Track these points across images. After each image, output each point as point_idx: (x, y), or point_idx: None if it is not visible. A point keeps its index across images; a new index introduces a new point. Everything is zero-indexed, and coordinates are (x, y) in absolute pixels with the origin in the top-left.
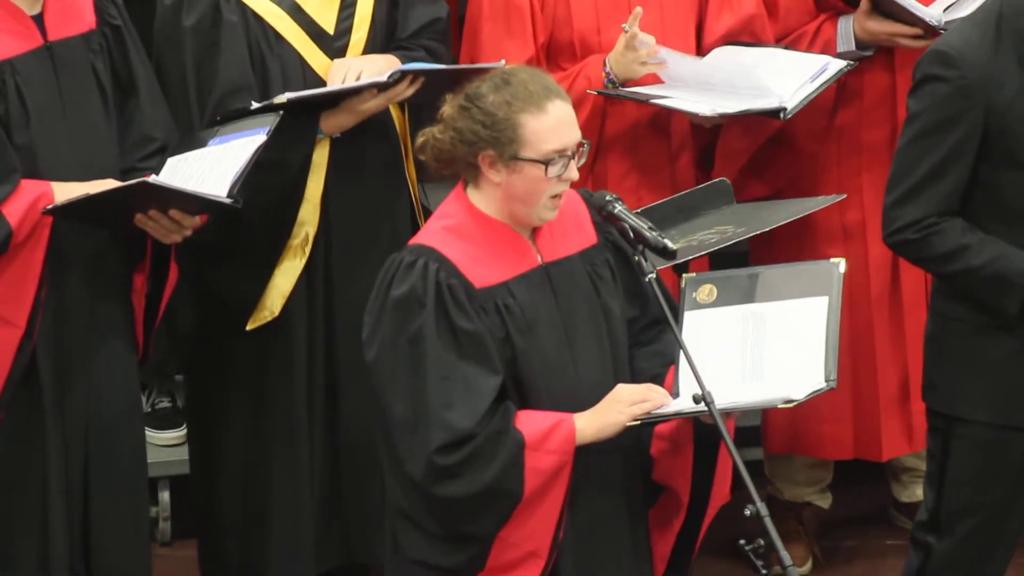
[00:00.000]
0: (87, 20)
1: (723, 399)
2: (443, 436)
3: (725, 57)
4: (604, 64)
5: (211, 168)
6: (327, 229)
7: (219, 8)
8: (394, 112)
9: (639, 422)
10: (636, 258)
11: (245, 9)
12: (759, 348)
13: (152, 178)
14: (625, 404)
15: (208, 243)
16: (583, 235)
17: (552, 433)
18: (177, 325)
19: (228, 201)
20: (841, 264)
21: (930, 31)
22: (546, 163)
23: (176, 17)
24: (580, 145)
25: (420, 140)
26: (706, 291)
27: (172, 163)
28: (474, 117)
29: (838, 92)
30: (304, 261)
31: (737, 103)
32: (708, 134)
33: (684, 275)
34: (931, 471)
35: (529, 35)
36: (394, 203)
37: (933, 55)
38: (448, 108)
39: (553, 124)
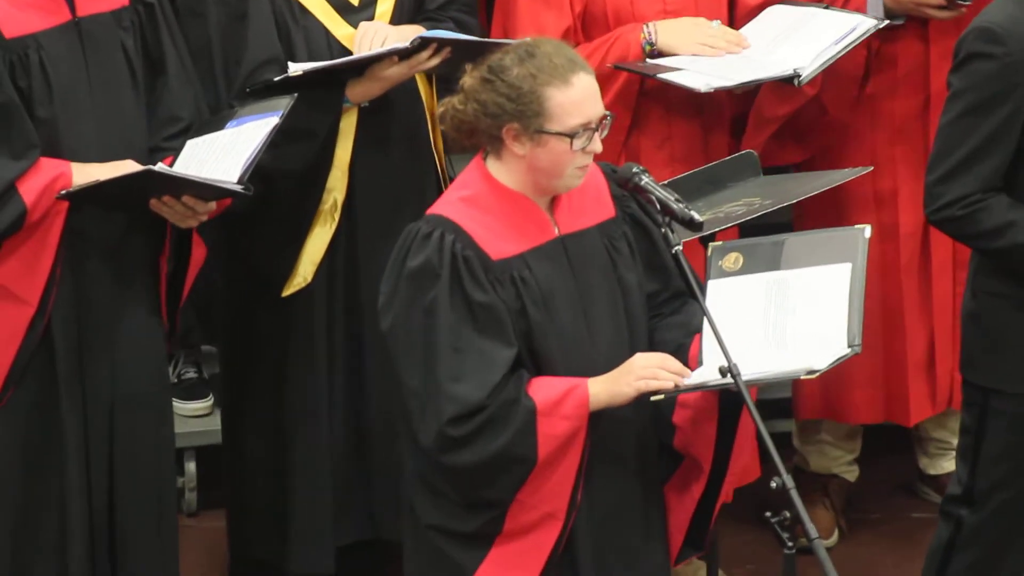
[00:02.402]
0: None
1: (746, 370)
2: (454, 408)
3: (763, 23)
4: (644, 30)
5: (224, 153)
6: (352, 197)
7: None
8: (421, 83)
9: (663, 396)
10: (663, 230)
11: None
12: (782, 315)
13: (159, 167)
14: (634, 377)
15: (239, 212)
16: (602, 208)
17: (565, 399)
18: (209, 298)
19: (239, 188)
20: (866, 230)
21: (953, 3)
22: (571, 136)
23: None
24: (603, 118)
25: (440, 110)
26: (732, 259)
27: (191, 145)
28: (498, 90)
29: (870, 61)
30: (334, 227)
31: (743, 74)
32: (742, 103)
33: (710, 243)
34: (965, 445)
35: (566, 5)
36: (420, 174)
37: (977, 32)
38: (469, 79)
39: (578, 97)
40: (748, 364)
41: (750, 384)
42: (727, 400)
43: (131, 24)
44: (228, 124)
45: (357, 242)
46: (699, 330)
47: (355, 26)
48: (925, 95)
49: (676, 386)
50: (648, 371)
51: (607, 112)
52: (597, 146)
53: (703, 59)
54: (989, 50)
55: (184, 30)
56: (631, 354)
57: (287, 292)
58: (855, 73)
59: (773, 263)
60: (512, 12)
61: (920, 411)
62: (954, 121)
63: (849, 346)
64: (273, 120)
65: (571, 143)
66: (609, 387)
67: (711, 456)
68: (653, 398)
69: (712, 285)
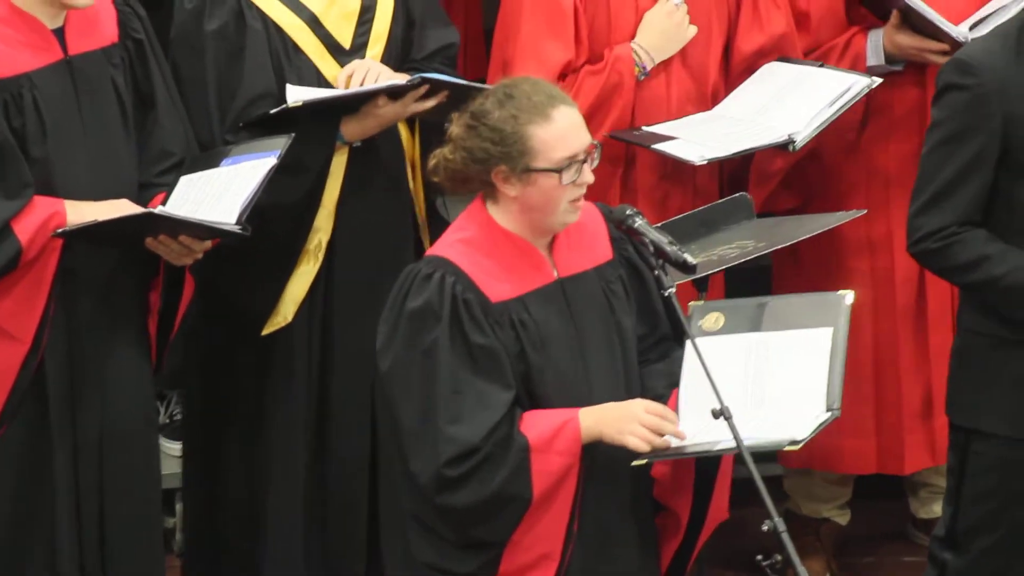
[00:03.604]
0: (109, 34)
1: (726, 435)
2: (451, 449)
3: (758, 83)
4: (636, 60)
5: (221, 193)
6: (333, 238)
7: (242, 15)
8: (403, 130)
9: (645, 460)
10: (656, 272)
11: (266, 18)
12: (760, 377)
13: (159, 209)
14: (630, 432)
15: (224, 248)
16: (599, 250)
17: (559, 435)
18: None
19: (237, 229)
20: (848, 296)
21: (956, 47)
22: (559, 171)
23: (197, 22)
24: (592, 148)
25: (432, 162)
26: (712, 319)
27: (184, 183)
28: (482, 135)
29: (867, 105)
30: (317, 267)
31: (738, 143)
32: (736, 162)
33: (691, 303)
34: (949, 486)
35: (570, 37)
36: (399, 220)
37: (953, 64)
38: (456, 128)
39: (561, 131)
40: (727, 429)
41: (730, 452)
42: (703, 458)
43: (121, 61)
44: (223, 162)
45: (333, 285)
46: (678, 383)
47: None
48: (920, 140)
49: (655, 451)
50: (645, 434)
51: (595, 142)
52: (588, 177)
53: (697, 127)
54: (962, 81)
55: (180, 64)
56: (626, 398)
57: (267, 331)
58: (853, 120)
59: (754, 324)
60: (514, 41)
61: (916, 461)
62: (931, 152)
63: (828, 410)
64: (271, 160)
65: (560, 177)
66: (601, 426)
67: (688, 509)
68: (634, 463)
69: (691, 344)
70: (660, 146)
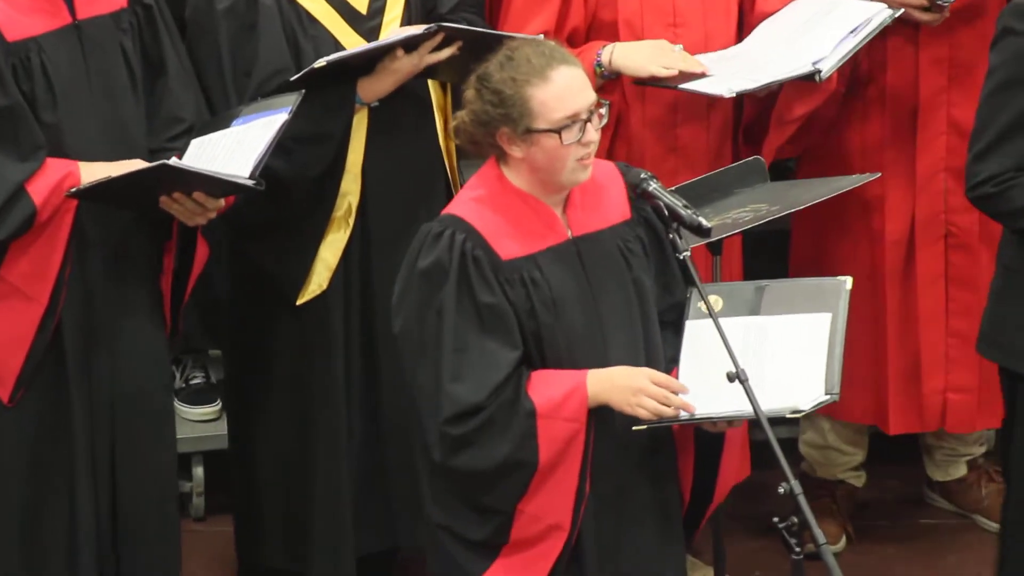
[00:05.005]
0: None
1: (728, 407)
2: (451, 408)
3: (783, 18)
4: (597, 55)
5: (233, 149)
6: (364, 201)
7: None
8: (432, 85)
9: (646, 427)
10: (671, 236)
11: None
12: (759, 359)
13: (173, 160)
14: (637, 402)
15: (254, 220)
16: (616, 209)
17: (566, 401)
18: (213, 303)
19: (251, 183)
20: (848, 282)
21: (934, 4)
22: (559, 131)
23: (209, 1)
24: (598, 105)
25: (453, 124)
26: (711, 301)
27: (196, 144)
28: (485, 98)
29: (850, 73)
30: (348, 233)
31: (765, 75)
32: (759, 105)
33: (689, 285)
34: (1001, 433)
35: (553, 14)
36: (431, 175)
37: (1012, 8)
38: (468, 91)
39: (559, 91)
40: (729, 402)
41: (734, 419)
42: (704, 438)
43: (130, 26)
44: (234, 122)
45: (370, 247)
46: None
47: (363, 35)
48: (914, 102)
49: (660, 417)
50: (653, 406)
51: (602, 100)
52: (592, 136)
53: (723, 63)
54: (1020, 26)
55: (195, 45)
56: (645, 357)
57: (302, 300)
58: (836, 93)
59: (752, 308)
60: (506, 10)
61: (901, 423)
62: (989, 97)
63: (827, 393)
64: (283, 116)
65: (560, 137)
66: (609, 394)
67: (690, 486)
68: (636, 428)
69: (690, 326)
70: (687, 85)
